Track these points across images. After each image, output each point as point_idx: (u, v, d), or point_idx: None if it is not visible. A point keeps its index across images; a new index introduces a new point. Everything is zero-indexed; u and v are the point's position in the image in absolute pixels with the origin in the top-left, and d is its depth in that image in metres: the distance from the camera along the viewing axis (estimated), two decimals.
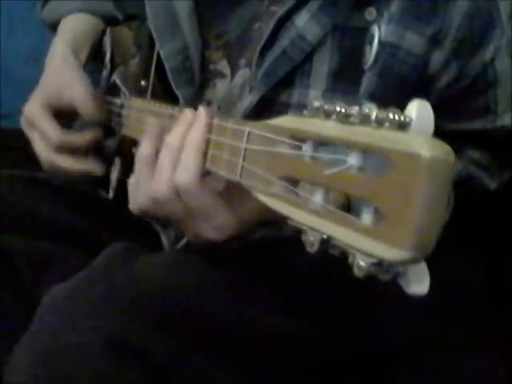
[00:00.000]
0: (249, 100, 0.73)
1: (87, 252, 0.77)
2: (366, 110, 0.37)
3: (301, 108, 0.71)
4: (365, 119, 0.37)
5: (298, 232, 0.71)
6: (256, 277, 0.68)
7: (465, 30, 0.68)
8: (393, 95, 0.68)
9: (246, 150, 0.48)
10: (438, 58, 0.69)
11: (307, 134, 0.42)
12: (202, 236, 0.62)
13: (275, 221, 0.64)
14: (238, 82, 0.76)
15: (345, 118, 0.39)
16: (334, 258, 0.66)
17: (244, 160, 0.48)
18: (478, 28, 0.68)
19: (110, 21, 0.96)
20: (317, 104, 0.41)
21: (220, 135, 0.53)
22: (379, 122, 0.36)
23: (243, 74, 0.76)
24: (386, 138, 0.35)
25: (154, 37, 0.78)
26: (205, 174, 0.58)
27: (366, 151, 0.37)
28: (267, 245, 0.73)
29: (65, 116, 0.85)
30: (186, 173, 0.57)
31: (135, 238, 0.79)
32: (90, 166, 0.84)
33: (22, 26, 1.54)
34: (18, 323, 0.70)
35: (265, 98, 0.71)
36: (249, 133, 0.48)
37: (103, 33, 0.95)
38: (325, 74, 0.70)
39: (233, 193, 0.60)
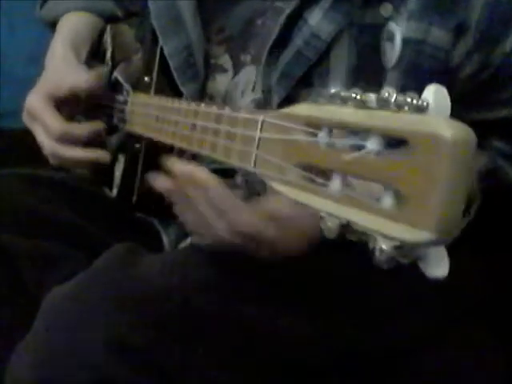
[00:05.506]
0: (251, 97, 0.73)
1: (88, 252, 0.78)
2: (386, 95, 0.37)
3: None
4: (384, 103, 0.37)
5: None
6: (256, 277, 0.67)
7: (486, 21, 0.68)
8: (419, 90, 0.68)
9: (260, 138, 0.48)
10: (461, 49, 0.69)
11: (323, 121, 0.41)
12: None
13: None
14: (242, 78, 0.76)
15: (362, 104, 0.39)
16: (335, 259, 0.67)
17: (258, 149, 0.48)
18: (498, 18, 0.68)
19: (109, 18, 0.96)
20: (333, 91, 0.41)
21: (232, 125, 0.53)
22: (398, 106, 0.36)
23: (249, 71, 0.76)
24: (406, 120, 0.35)
25: (158, 34, 0.78)
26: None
27: (384, 135, 0.37)
28: None
29: (66, 107, 0.85)
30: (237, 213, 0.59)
31: (136, 238, 0.79)
32: (94, 154, 0.84)
33: (22, 25, 1.54)
34: (19, 324, 0.70)
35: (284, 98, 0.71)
36: (262, 121, 0.48)
37: (101, 31, 0.95)
38: (344, 72, 0.70)
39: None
